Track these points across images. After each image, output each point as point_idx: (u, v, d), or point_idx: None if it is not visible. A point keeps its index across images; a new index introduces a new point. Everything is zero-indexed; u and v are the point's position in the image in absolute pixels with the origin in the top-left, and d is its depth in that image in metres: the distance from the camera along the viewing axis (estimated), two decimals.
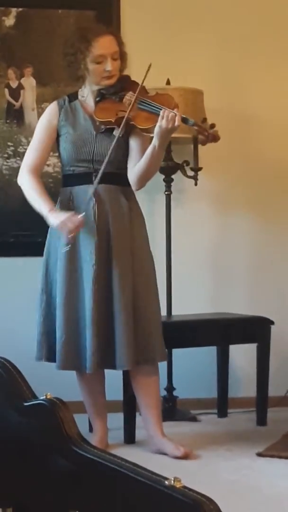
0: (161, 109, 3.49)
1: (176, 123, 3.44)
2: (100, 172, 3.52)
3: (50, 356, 3.65)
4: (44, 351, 3.66)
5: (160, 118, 3.45)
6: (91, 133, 3.65)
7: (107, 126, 3.61)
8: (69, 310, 3.57)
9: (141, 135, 3.65)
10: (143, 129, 3.59)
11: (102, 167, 3.52)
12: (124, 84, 3.66)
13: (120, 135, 3.55)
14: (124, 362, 3.55)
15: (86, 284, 3.56)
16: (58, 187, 3.83)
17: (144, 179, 3.65)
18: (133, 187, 3.69)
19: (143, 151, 3.61)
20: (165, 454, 3.63)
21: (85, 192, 3.61)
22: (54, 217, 3.55)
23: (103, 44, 3.56)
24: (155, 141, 3.50)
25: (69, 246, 3.53)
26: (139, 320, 3.60)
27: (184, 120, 3.48)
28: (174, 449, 3.60)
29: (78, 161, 3.64)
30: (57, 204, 3.70)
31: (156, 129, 3.48)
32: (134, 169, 3.63)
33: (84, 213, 3.52)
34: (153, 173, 3.68)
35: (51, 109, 3.73)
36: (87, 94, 3.69)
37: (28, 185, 3.68)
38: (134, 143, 3.66)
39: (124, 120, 3.53)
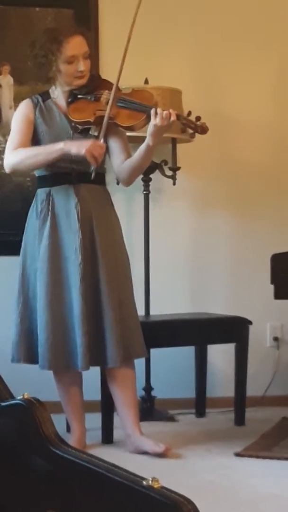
0: (145, 106, 3.51)
1: (172, 120, 3.45)
2: (93, 170, 3.54)
3: (30, 357, 3.63)
4: (23, 353, 3.64)
5: (153, 117, 3.46)
6: (68, 133, 3.64)
7: (85, 126, 3.60)
8: (53, 311, 3.55)
9: (120, 133, 3.66)
10: (126, 127, 3.60)
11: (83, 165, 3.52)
12: (96, 82, 3.67)
13: (102, 136, 3.54)
14: (115, 358, 3.56)
15: (73, 283, 3.55)
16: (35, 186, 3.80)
17: (135, 176, 3.72)
18: (123, 184, 3.75)
19: (126, 148, 3.67)
20: (143, 452, 3.62)
21: (66, 192, 3.60)
22: (77, 145, 3.50)
23: (75, 45, 3.55)
24: (149, 141, 3.52)
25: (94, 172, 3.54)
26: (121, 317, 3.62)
27: (178, 117, 3.49)
28: (154, 446, 3.60)
29: (56, 161, 3.61)
30: (34, 205, 3.68)
31: (151, 129, 3.49)
32: (124, 167, 3.65)
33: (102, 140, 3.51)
34: (144, 169, 3.79)
35: (26, 105, 3.69)
36: (57, 95, 3.68)
37: (20, 153, 3.59)
38: (115, 142, 3.67)
39: (106, 118, 3.52)
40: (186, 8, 4.69)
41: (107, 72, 4.19)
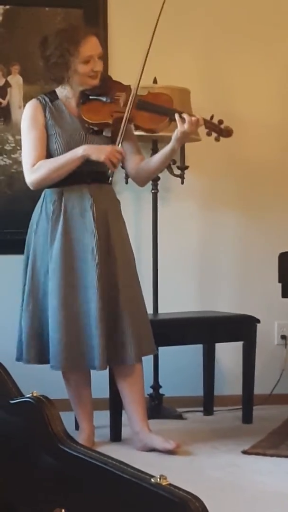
0: (167, 109, 3.57)
1: (200, 125, 3.52)
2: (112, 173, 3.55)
3: (41, 358, 3.61)
4: (33, 354, 3.62)
5: (180, 123, 3.50)
6: (81, 134, 3.64)
7: (101, 128, 3.62)
8: (67, 311, 3.55)
9: (132, 135, 3.68)
10: (148, 129, 3.64)
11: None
12: (108, 84, 3.68)
13: (120, 140, 3.55)
14: (133, 356, 3.58)
15: (89, 283, 3.55)
16: None
17: (152, 177, 3.83)
18: (139, 185, 3.83)
19: (138, 149, 3.74)
20: (152, 449, 3.63)
21: (79, 192, 3.61)
22: (96, 151, 3.51)
23: (92, 45, 3.57)
24: (174, 145, 3.57)
25: (113, 177, 3.57)
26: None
27: (204, 122, 3.55)
28: (164, 443, 3.60)
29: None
30: (42, 205, 3.66)
31: (177, 134, 3.53)
32: (142, 168, 3.69)
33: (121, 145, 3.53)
34: (162, 171, 3.91)
35: (34, 107, 3.66)
36: (67, 96, 3.67)
37: (41, 168, 3.56)
38: (128, 145, 3.69)
39: (124, 120, 3.53)
40: (195, 7, 4.69)
41: (116, 71, 4.21)
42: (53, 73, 3.62)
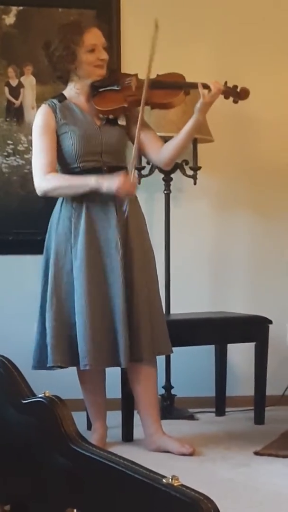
0: (181, 84, 3.62)
1: (220, 87, 3.57)
2: (133, 165, 3.56)
3: (67, 359, 3.56)
4: (60, 355, 3.54)
5: (202, 89, 3.54)
6: (94, 126, 3.66)
7: (118, 115, 3.65)
8: (95, 310, 3.53)
9: (146, 125, 3.69)
10: (165, 104, 3.65)
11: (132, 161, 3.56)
12: (116, 75, 3.73)
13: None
14: (149, 354, 3.59)
15: (114, 279, 3.55)
16: None
17: (178, 155, 3.77)
18: (165, 166, 3.87)
19: (157, 136, 3.76)
20: (166, 451, 3.63)
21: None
22: (108, 183, 3.51)
23: (95, 34, 3.62)
24: (198, 116, 3.60)
25: (127, 208, 3.56)
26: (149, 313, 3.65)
27: (224, 84, 3.62)
28: (180, 447, 3.60)
29: (87, 155, 3.61)
30: (63, 203, 3.66)
31: (200, 104, 3.56)
32: (167, 148, 3.69)
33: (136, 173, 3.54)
34: (186, 148, 3.91)
35: (45, 112, 3.65)
36: (74, 93, 3.68)
37: (53, 181, 3.58)
38: (146, 134, 3.69)
39: (144, 97, 3.53)
40: (209, 6, 4.69)
41: (129, 70, 4.20)
42: (59, 68, 3.65)
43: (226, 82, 3.65)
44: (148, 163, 4.30)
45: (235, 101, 3.70)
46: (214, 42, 4.70)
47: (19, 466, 1.89)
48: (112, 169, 3.61)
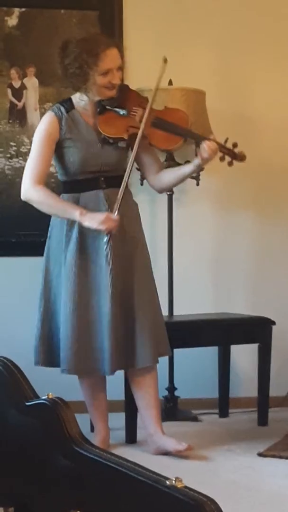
0: (182, 130, 3.62)
1: (214, 153, 3.58)
2: (127, 176, 3.57)
3: (50, 360, 3.67)
4: (42, 356, 3.67)
5: (203, 150, 3.56)
6: (97, 145, 3.66)
7: (118, 141, 3.65)
8: (80, 317, 3.57)
9: (149, 146, 3.69)
10: (164, 150, 3.68)
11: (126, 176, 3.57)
12: (125, 95, 3.68)
13: (124, 146, 3.63)
14: (147, 358, 3.59)
15: (103, 288, 3.57)
16: (59, 188, 3.81)
17: (169, 189, 3.98)
18: (158, 192, 3.92)
19: (157, 159, 3.82)
20: (165, 453, 3.63)
21: (95, 197, 3.63)
22: (90, 218, 3.50)
23: (111, 58, 3.56)
24: (194, 168, 3.68)
25: (109, 243, 3.54)
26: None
27: (220, 147, 3.61)
28: (176, 444, 3.61)
29: (85, 172, 3.64)
30: None
31: (198, 161, 3.61)
32: (162, 179, 3.77)
33: (117, 213, 3.51)
34: None
35: (50, 121, 3.64)
36: (83, 104, 3.67)
37: (41, 196, 3.59)
38: (146, 156, 3.75)
39: (138, 139, 3.55)
40: (210, 8, 4.69)
41: (132, 73, 4.21)
42: (71, 81, 3.64)
43: (226, 140, 3.64)
44: None
45: (229, 164, 3.69)
46: (216, 42, 4.69)
47: (23, 468, 1.89)
48: (109, 179, 3.62)
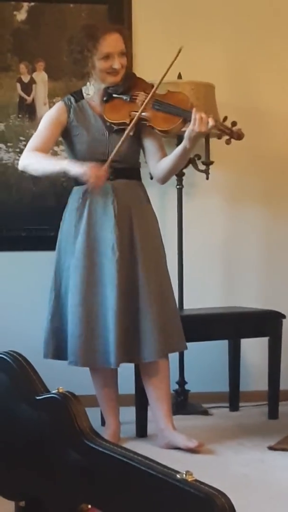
0: (181, 111, 3.54)
1: (210, 125, 3.46)
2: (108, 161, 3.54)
3: (58, 354, 3.68)
4: (51, 349, 3.68)
5: (192, 121, 3.46)
6: (104, 134, 3.66)
7: (120, 127, 3.63)
8: (87, 308, 3.58)
9: (155, 133, 3.66)
10: (162, 131, 3.62)
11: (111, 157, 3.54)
12: (131, 81, 3.68)
13: (131, 134, 3.58)
14: (153, 352, 3.58)
15: (108, 279, 3.57)
16: (70, 182, 3.81)
17: (170, 175, 3.76)
18: (158, 182, 3.81)
19: (161, 147, 3.72)
20: (175, 447, 3.63)
21: (103, 189, 3.61)
22: (78, 166, 3.52)
23: (110, 42, 3.57)
24: (186, 144, 3.53)
25: (89, 194, 3.56)
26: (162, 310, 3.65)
27: (215, 123, 3.50)
28: (187, 441, 3.60)
29: (93, 160, 3.62)
30: (70, 202, 3.71)
31: (188, 133, 3.50)
32: (160, 166, 3.69)
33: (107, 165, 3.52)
34: (179, 170, 3.93)
35: (59, 108, 3.72)
36: (93, 92, 3.70)
37: (31, 157, 3.65)
38: (150, 142, 3.71)
39: (135, 119, 3.54)
40: (220, 1, 4.68)
41: (141, 67, 4.22)
42: (75, 68, 3.69)
43: (225, 118, 3.59)
44: None
45: (227, 142, 3.61)
46: (226, 35, 4.68)
47: (33, 462, 1.90)
48: (117, 171, 3.62)
